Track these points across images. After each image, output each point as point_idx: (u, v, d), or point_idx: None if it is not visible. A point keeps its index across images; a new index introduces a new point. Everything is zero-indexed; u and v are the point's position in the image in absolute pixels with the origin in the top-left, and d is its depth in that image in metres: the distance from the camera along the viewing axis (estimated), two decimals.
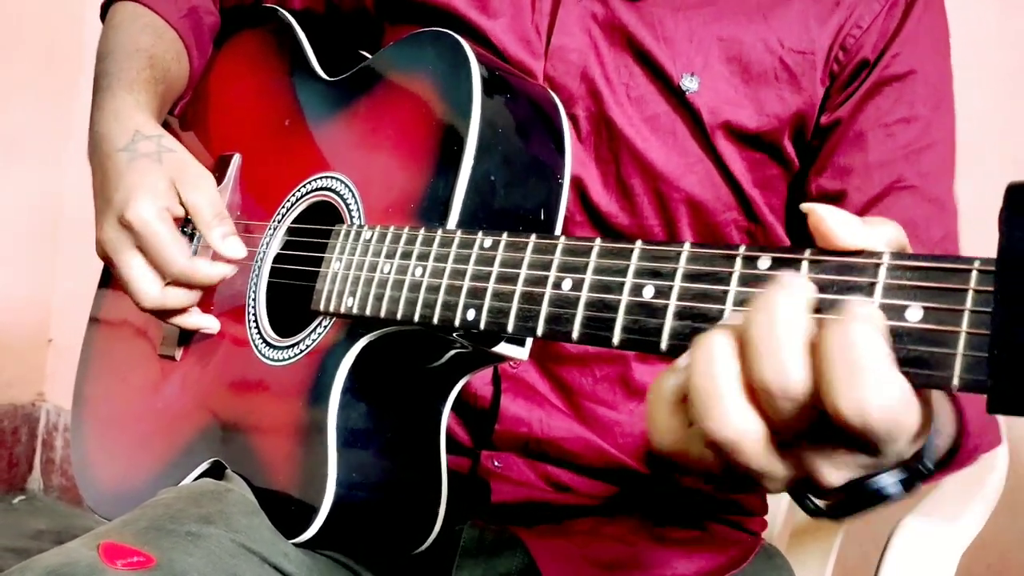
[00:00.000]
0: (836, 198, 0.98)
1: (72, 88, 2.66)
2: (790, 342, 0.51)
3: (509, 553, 0.98)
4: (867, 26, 0.97)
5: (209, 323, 1.05)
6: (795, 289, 0.53)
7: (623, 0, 0.99)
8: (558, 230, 0.91)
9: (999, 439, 0.95)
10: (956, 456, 0.84)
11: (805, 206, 0.56)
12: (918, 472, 0.59)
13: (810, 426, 0.52)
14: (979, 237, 1.17)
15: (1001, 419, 1.19)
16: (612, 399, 1.03)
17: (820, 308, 0.53)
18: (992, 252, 0.49)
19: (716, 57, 0.97)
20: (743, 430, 0.53)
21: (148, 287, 1.00)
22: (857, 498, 0.58)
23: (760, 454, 0.53)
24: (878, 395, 0.49)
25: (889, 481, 0.57)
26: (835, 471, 0.54)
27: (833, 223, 0.55)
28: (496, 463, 1.03)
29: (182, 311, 1.03)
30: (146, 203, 0.98)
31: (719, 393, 0.53)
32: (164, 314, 1.03)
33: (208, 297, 1.07)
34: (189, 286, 1.01)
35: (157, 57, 1.13)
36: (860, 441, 0.51)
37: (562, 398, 1.03)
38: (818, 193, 0.99)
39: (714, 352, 0.53)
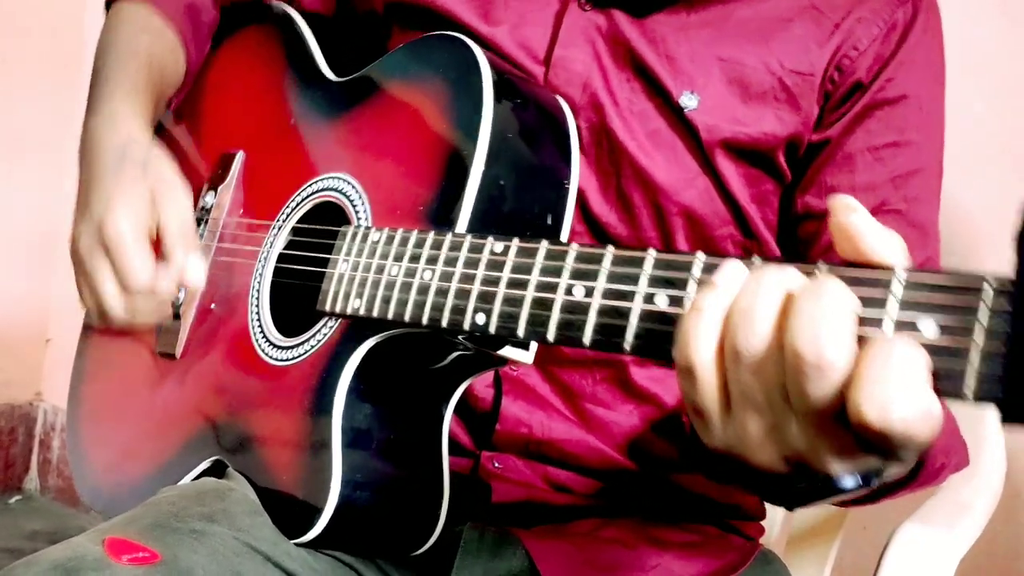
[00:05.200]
0: (821, 216, 0.99)
1: (73, 89, 2.65)
2: (764, 311, 0.55)
3: (509, 554, 0.99)
4: (863, 49, 0.98)
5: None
6: (783, 271, 0.57)
7: (627, 16, 1.00)
8: (565, 235, 0.92)
9: (967, 460, 0.97)
10: (920, 473, 0.86)
11: (832, 199, 0.57)
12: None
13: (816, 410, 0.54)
14: (981, 243, 1.18)
15: (999, 430, 1.20)
16: (611, 400, 1.04)
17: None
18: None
19: (717, 77, 0.98)
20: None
21: (113, 299, 0.99)
22: (817, 490, 0.61)
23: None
24: (904, 403, 0.50)
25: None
26: (839, 465, 0.56)
27: (862, 224, 0.56)
28: (496, 464, 1.03)
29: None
30: (123, 215, 0.98)
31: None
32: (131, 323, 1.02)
33: (209, 295, 1.07)
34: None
35: (155, 58, 1.14)
36: (873, 444, 0.53)
37: (563, 400, 1.04)
38: (804, 210, 1.01)
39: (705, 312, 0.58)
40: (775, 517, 1.27)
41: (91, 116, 1.08)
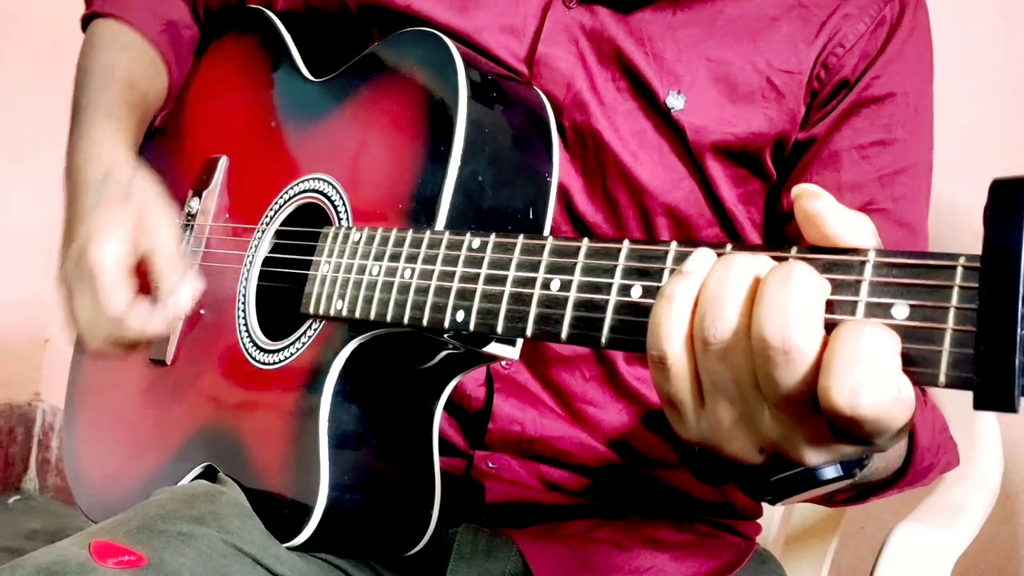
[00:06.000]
0: None
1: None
2: (732, 297, 0.55)
3: (503, 556, 0.98)
4: (850, 46, 0.97)
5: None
6: (753, 257, 0.56)
7: (612, 12, 0.99)
8: (547, 229, 0.91)
9: (957, 459, 0.97)
10: (908, 472, 0.85)
11: (796, 188, 0.57)
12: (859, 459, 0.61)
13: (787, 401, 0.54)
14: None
15: (995, 430, 1.20)
16: (601, 398, 1.03)
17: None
18: None
19: (704, 77, 0.97)
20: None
21: (91, 324, 1.00)
22: (797, 482, 0.60)
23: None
24: (874, 389, 0.49)
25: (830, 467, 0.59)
26: (815, 454, 0.56)
27: (826, 209, 0.55)
28: (490, 464, 1.03)
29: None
30: (103, 247, 0.97)
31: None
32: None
33: (198, 301, 1.07)
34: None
35: (135, 82, 1.14)
36: (846, 431, 0.52)
37: (554, 399, 1.03)
38: (790, 209, 0.99)
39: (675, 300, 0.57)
40: (772, 517, 1.26)
41: (72, 145, 1.08)
